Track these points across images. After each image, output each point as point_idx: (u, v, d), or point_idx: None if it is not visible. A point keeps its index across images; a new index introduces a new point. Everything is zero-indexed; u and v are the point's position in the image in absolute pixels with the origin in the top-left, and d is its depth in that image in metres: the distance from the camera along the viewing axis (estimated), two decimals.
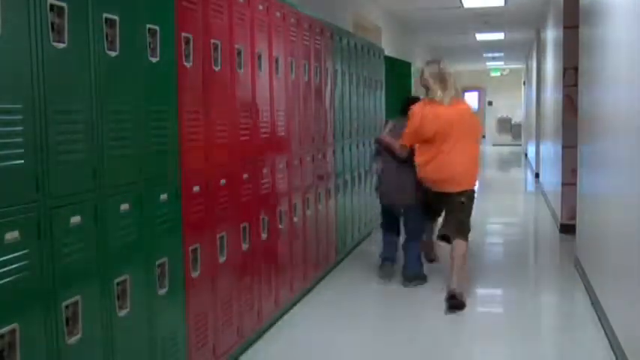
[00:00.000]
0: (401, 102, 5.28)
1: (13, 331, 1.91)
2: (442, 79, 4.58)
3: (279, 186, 4.13)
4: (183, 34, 2.90)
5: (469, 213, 4.67)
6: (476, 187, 4.73)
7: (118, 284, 2.42)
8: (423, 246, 5.28)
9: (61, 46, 2.11)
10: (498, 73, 24.44)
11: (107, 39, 2.35)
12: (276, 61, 4.06)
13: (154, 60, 2.67)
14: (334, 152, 5.40)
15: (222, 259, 3.30)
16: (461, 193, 4.56)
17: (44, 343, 2.04)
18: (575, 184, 5.92)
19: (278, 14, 4.11)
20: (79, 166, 2.22)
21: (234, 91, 3.43)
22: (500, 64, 22.86)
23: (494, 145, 23.04)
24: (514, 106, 23.51)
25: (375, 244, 6.50)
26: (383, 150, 5.05)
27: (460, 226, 4.56)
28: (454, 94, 4.62)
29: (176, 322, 2.87)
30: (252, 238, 3.68)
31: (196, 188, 3.03)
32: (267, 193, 3.93)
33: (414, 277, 4.97)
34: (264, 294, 3.87)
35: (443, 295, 4.47)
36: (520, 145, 20.80)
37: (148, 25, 2.63)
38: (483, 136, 21.45)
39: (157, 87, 2.72)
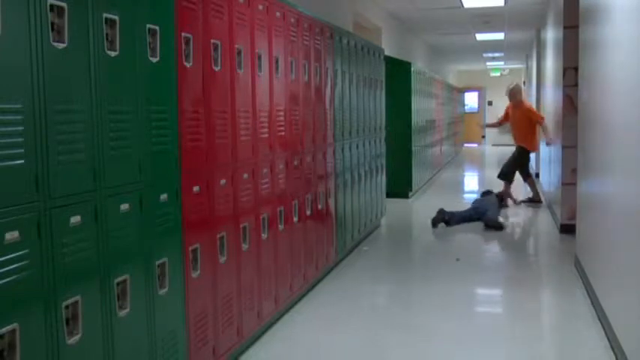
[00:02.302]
0: None
1: (13, 331, 1.91)
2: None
3: (279, 185, 4.13)
4: (184, 34, 2.90)
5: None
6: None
7: (118, 284, 2.43)
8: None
9: (61, 46, 2.12)
10: (498, 73, 24.45)
11: (107, 39, 2.35)
12: (276, 61, 4.06)
13: (154, 60, 2.67)
14: (334, 152, 5.41)
15: (222, 259, 3.30)
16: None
17: (44, 343, 2.05)
18: (575, 184, 5.92)
19: (278, 14, 4.11)
20: (79, 166, 2.22)
21: (234, 91, 3.43)
22: (500, 64, 22.87)
23: (494, 145, 23.03)
24: None
25: (369, 245, 6.50)
26: None
27: None
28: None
29: (176, 323, 2.87)
30: (252, 238, 3.68)
31: (196, 188, 3.03)
32: (267, 193, 3.93)
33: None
34: (264, 294, 3.87)
35: (441, 298, 4.65)
36: None
37: (148, 25, 2.63)
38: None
39: (156, 87, 2.72)
